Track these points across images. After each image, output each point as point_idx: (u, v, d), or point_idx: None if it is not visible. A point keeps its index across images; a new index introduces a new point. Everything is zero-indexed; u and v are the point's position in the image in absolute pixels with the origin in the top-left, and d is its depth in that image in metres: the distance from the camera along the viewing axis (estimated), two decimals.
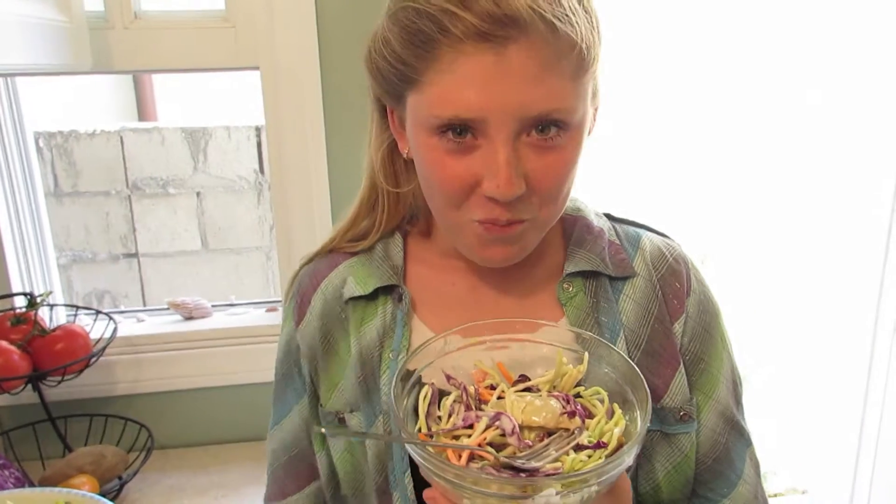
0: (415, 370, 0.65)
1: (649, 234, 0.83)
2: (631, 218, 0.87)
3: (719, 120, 1.56)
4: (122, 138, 2.48)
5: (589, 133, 0.74)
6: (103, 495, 1.01)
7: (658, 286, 0.78)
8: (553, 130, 0.63)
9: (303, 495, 0.83)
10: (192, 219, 2.60)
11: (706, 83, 1.54)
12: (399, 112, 0.71)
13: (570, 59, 0.62)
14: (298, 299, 0.83)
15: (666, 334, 0.76)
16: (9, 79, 1.40)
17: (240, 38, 1.36)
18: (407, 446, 0.57)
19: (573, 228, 0.79)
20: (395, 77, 0.66)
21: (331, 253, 0.84)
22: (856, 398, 1.76)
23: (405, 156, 0.74)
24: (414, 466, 0.74)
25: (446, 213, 0.69)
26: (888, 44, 1.55)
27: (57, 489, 1.03)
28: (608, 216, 0.85)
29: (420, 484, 0.74)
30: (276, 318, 1.57)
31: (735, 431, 0.79)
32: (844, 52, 1.54)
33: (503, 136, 0.61)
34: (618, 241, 0.80)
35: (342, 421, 0.78)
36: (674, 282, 0.78)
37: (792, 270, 1.69)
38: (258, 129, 2.56)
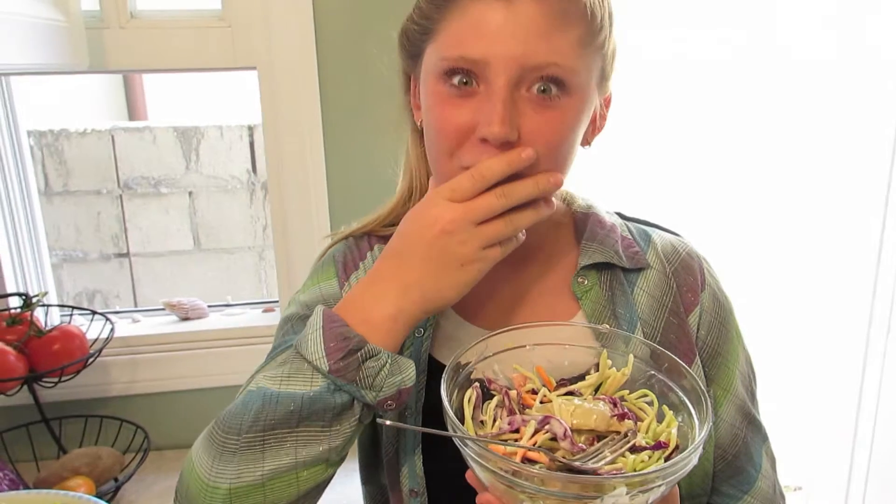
0: (461, 369, 0.64)
1: (659, 231, 0.85)
2: (641, 218, 0.88)
3: (709, 122, 1.57)
4: (113, 137, 2.46)
5: (599, 128, 0.75)
6: (99, 497, 1.00)
7: (672, 279, 0.79)
8: (553, 90, 0.64)
9: None
10: (185, 218, 2.58)
11: (704, 85, 1.55)
12: (416, 75, 0.73)
13: (578, 22, 0.64)
14: (342, 265, 0.83)
15: (681, 326, 0.77)
16: (2, 78, 1.39)
17: (237, 38, 1.36)
18: (461, 448, 0.55)
19: (585, 225, 0.80)
20: (417, 33, 0.70)
21: (366, 235, 0.85)
22: (851, 396, 1.78)
23: (419, 125, 0.75)
24: (425, 445, 0.74)
25: (441, 162, 0.69)
26: (885, 47, 1.58)
27: (53, 491, 1.02)
28: (619, 215, 0.86)
29: (429, 467, 0.74)
30: (273, 318, 1.57)
31: (752, 426, 0.80)
32: (842, 55, 1.57)
33: (502, 82, 0.63)
34: (630, 237, 0.81)
35: None
36: (687, 275, 0.79)
37: (786, 269, 1.71)
38: (251, 129, 2.55)
